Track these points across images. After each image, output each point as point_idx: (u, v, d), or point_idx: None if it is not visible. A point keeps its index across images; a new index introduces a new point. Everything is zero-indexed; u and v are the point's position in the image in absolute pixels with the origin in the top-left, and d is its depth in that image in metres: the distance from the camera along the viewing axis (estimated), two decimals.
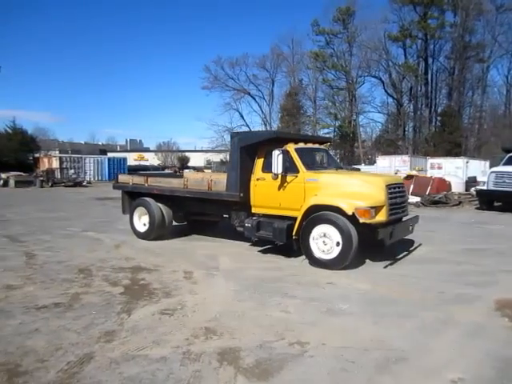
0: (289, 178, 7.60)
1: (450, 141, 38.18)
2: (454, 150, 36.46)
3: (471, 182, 21.55)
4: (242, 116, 52.95)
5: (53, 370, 3.45)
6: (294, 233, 7.27)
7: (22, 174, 32.94)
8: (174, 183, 9.34)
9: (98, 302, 5.15)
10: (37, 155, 42.03)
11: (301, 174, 7.54)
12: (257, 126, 58.25)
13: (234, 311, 4.88)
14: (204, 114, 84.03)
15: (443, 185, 19.78)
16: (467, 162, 26.73)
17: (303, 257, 7.44)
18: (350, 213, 6.61)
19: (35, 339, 4.06)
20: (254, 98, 52.64)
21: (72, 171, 36.13)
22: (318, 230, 6.98)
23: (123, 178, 10.82)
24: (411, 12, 43.49)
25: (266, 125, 52.83)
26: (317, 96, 50.02)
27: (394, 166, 26.14)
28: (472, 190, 19.18)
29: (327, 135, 48.43)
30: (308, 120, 51.21)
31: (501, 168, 15.50)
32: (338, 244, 6.77)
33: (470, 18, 41.41)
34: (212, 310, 4.92)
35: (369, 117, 50.31)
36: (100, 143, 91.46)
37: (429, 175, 23.33)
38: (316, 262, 7.03)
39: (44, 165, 36.93)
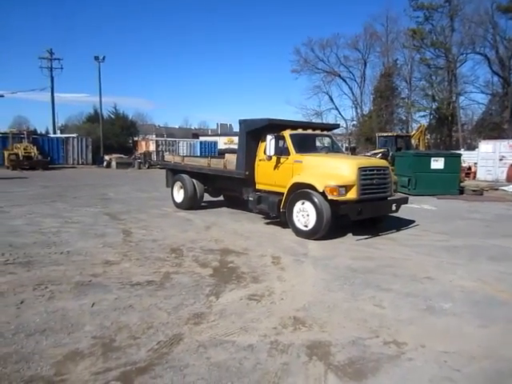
0: (282, 159, 8.67)
1: None
2: None
3: None
4: (331, 99, 51.46)
5: (144, 348, 3.49)
6: (281, 206, 8.31)
7: (122, 156, 35.41)
8: (201, 162, 10.91)
9: (187, 282, 5.21)
10: (136, 139, 44.99)
11: (291, 156, 8.56)
12: (347, 108, 55.98)
13: (323, 301, 4.64)
14: (293, 97, 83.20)
15: None
16: None
17: (396, 248, 7.16)
18: (321, 190, 7.51)
19: (129, 315, 4.17)
20: (345, 80, 50.71)
21: (167, 154, 38.03)
22: (299, 205, 7.97)
23: (167, 157, 12.90)
24: None
25: (356, 108, 50.90)
26: (413, 77, 46.62)
27: (498, 151, 23.74)
28: None
29: (422, 118, 45.44)
30: (402, 102, 48.27)
31: None
32: (313, 217, 7.65)
33: None
34: (301, 298, 4.73)
35: (470, 98, 45.48)
36: (192, 127, 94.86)
37: None
38: (298, 233, 7.99)
39: (142, 148, 39.36)
